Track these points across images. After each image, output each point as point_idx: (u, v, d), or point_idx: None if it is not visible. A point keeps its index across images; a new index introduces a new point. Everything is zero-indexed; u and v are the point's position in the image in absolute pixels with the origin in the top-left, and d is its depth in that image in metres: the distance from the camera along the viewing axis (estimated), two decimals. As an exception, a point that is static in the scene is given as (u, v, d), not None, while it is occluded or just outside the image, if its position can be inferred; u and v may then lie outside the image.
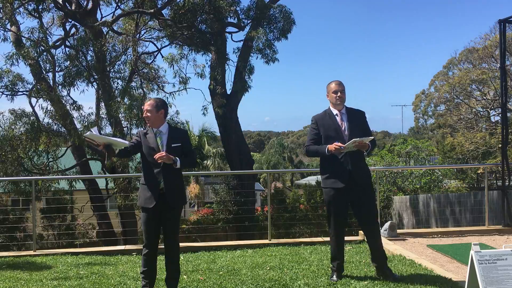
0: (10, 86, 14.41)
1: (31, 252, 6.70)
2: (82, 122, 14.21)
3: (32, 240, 7.12)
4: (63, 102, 14.18)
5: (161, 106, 4.37)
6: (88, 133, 4.23)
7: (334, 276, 4.67)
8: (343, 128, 4.54)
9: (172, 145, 4.28)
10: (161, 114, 4.33)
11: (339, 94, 4.56)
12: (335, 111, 4.61)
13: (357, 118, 4.62)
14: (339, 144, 4.40)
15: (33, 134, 14.10)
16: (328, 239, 6.33)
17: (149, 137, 4.34)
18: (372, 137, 4.44)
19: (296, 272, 5.00)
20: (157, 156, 4.13)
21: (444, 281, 4.50)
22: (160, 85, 15.13)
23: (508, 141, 7.95)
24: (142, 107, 4.41)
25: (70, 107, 14.25)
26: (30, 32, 14.12)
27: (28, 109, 14.53)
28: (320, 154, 4.60)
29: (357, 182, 4.50)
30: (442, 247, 6.27)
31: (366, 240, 4.90)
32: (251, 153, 22.60)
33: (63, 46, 14.87)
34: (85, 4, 14.39)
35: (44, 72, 14.37)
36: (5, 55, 13.67)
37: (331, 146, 4.43)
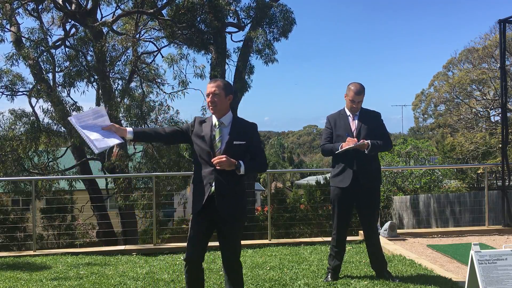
0: (10, 86, 14.43)
1: (31, 252, 6.70)
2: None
3: (32, 240, 7.12)
4: (64, 103, 14.19)
5: (230, 90, 3.49)
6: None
7: (329, 276, 4.66)
8: (353, 129, 4.56)
9: (234, 142, 3.39)
10: (229, 100, 3.47)
11: (354, 105, 4.56)
12: (348, 112, 4.65)
13: (370, 120, 4.61)
14: (346, 143, 4.41)
15: (33, 134, 14.10)
16: (328, 239, 6.34)
17: (205, 126, 3.47)
18: (362, 143, 4.38)
19: (296, 272, 5.00)
20: (215, 160, 3.29)
21: (444, 281, 4.50)
22: (160, 85, 15.15)
23: (508, 141, 7.95)
24: (207, 88, 3.44)
25: (70, 108, 14.26)
26: (30, 32, 14.14)
27: (28, 109, 14.56)
28: (333, 153, 4.60)
29: (362, 184, 4.50)
30: (442, 247, 6.27)
31: (365, 242, 4.90)
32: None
33: (63, 46, 14.90)
34: (85, 4, 14.39)
35: (44, 73, 14.38)
36: (5, 55, 13.72)
37: (347, 143, 4.44)
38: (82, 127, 3.33)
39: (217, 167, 3.30)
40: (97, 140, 3.31)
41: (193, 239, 3.45)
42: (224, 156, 3.29)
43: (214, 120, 3.46)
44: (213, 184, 3.36)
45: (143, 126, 14.07)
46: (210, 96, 3.41)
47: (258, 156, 3.49)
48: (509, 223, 7.37)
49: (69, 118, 3.40)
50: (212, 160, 3.32)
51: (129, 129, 3.47)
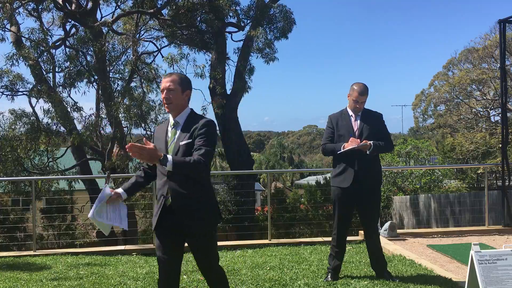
0: (10, 86, 14.43)
1: (31, 252, 6.70)
2: (82, 122, 14.25)
3: (32, 240, 7.12)
4: (64, 103, 14.19)
5: (187, 85, 3.14)
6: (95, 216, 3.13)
7: (329, 276, 4.67)
8: (355, 129, 4.57)
9: (181, 143, 3.00)
10: (186, 96, 3.14)
11: (358, 105, 4.56)
12: (351, 112, 4.65)
13: (372, 121, 4.61)
14: (349, 144, 4.41)
15: (33, 134, 14.09)
16: (328, 239, 6.34)
17: (160, 130, 3.20)
18: (364, 143, 4.39)
19: (296, 272, 5.00)
20: (128, 146, 2.81)
21: (444, 281, 4.50)
22: (160, 84, 15.16)
23: (508, 141, 7.95)
24: (161, 83, 3.19)
25: (71, 109, 14.28)
26: (30, 33, 14.14)
27: (28, 109, 14.56)
28: (334, 153, 4.59)
29: (363, 184, 4.50)
30: (442, 247, 6.27)
31: (365, 242, 4.90)
32: (251, 153, 22.59)
33: (63, 46, 14.91)
34: (85, 4, 14.40)
35: (45, 73, 14.38)
36: (5, 55, 13.72)
37: (350, 143, 4.44)
38: (105, 219, 3.15)
39: (132, 156, 2.83)
40: (121, 222, 3.20)
41: (163, 260, 3.08)
42: (146, 146, 2.80)
43: (171, 120, 3.12)
44: (168, 195, 3.00)
45: (143, 126, 14.06)
46: (164, 92, 3.06)
47: (198, 150, 2.93)
48: (509, 223, 7.37)
49: (90, 217, 3.16)
50: (126, 147, 2.83)
51: (121, 191, 3.20)
